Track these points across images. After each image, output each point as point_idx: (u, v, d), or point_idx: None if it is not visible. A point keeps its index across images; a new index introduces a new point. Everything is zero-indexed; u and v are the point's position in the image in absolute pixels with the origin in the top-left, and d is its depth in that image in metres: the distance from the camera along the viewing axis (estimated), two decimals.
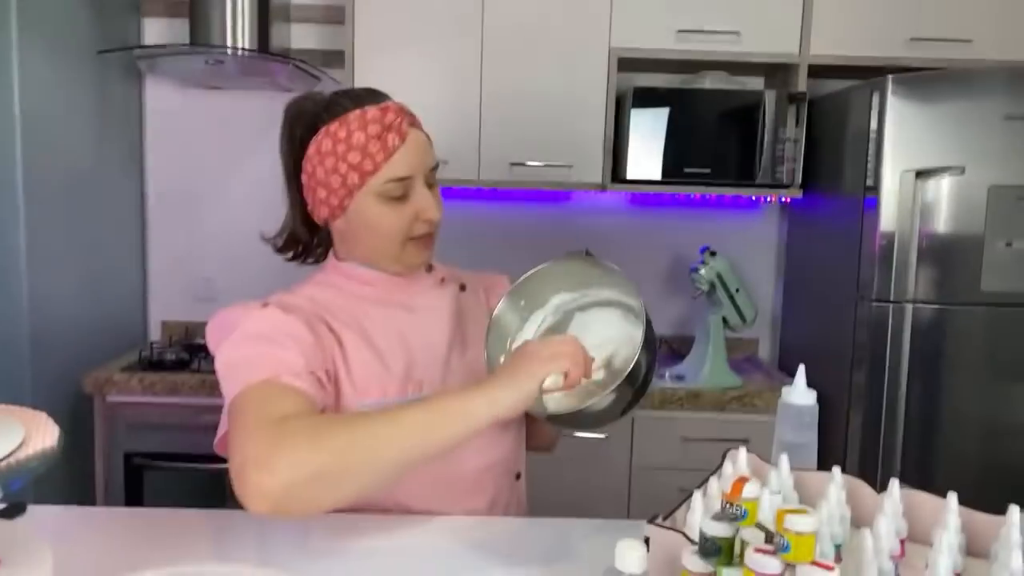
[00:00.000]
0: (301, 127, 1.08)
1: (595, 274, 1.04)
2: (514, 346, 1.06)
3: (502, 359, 1.04)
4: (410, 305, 1.11)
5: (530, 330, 1.08)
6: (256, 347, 0.95)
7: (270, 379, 0.91)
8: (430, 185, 1.08)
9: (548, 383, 0.88)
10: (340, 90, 1.09)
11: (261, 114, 2.52)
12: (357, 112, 1.03)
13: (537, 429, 1.23)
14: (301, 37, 2.49)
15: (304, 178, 1.08)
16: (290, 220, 1.15)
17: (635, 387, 0.94)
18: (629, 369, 0.88)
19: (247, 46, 2.22)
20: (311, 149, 1.05)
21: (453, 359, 1.11)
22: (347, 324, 1.06)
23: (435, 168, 1.09)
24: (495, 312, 1.06)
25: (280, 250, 1.17)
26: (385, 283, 1.10)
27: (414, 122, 1.07)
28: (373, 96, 1.06)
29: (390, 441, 0.84)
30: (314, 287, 1.10)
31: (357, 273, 1.10)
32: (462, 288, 1.20)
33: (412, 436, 0.84)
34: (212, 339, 1.02)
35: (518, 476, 1.18)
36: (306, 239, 1.15)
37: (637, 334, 0.92)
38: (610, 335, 1.03)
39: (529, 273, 1.06)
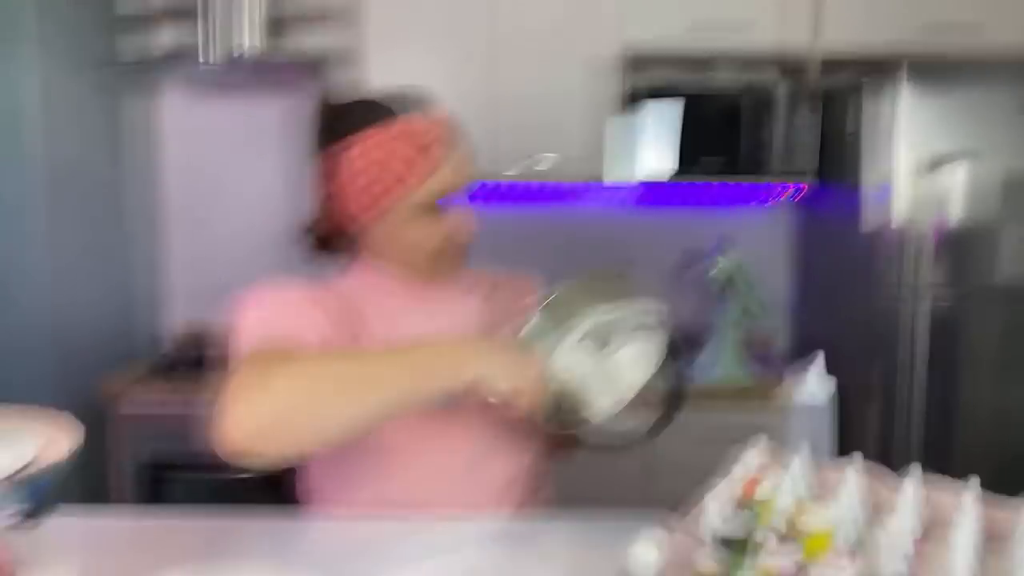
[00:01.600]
0: (342, 124, 1.05)
1: (629, 296, 1.03)
2: (556, 348, 1.05)
3: None
4: (436, 312, 1.11)
5: (576, 334, 1.06)
6: (271, 319, 0.95)
7: (276, 346, 0.90)
8: (466, 200, 1.08)
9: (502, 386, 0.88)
10: (386, 93, 1.07)
11: (274, 117, 2.53)
12: (399, 123, 1.02)
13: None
14: (312, 38, 2.49)
15: (341, 179, 1.06)
16: (319, 213, 1.13)
17: (666, 409, 0.94)
18: (631, 397, 0.88)
19: (259, 50, 2.23)
20: (354, 152, 1.03)
21: None
22: (372, 327, 1.06)
23: (471, 182, 1.08)
24: (523, 332, 1.05)
25: (311, 246, 1.16)
26: (411, 288, 1.11)
27: (460, 136, 1.07)
28: (417, 105, 1.05)
29: (368, 384, 0.84)
30: (341, 285, 1.11)
31: (383, 276, 1.11)
32: (490, 292, 1.19)
33: (391, 381, 0.85)
34: (236, 311, 1.01)
35: (543, 481, 1.18)
36: (334, 234, 1.14)
37: (653, 363, 0.91)
38: (645, 361, 1.02)
39: (564, 287, 1.05)
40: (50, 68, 1.97)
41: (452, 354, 0.88)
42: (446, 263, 1.09)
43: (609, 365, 1.04)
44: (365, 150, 1.02)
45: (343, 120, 1.06)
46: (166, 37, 2.50)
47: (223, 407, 0.80)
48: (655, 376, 0.89)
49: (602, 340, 1.07)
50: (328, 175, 1.09)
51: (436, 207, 1.03)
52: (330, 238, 1.15)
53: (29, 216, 1.92)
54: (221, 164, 2.55)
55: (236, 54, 2.20)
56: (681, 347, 0.94)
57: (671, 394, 0.92)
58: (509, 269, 1.28)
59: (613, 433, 0.95)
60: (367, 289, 1.10)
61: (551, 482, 1.22)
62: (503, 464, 1.10)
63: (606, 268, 1.04)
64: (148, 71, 2.24)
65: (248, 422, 0.78)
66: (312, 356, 0.88)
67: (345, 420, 0.83)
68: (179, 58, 2.17)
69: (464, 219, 1.06)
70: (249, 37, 2.23)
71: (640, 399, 0.89)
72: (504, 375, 0.88)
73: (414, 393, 0.86)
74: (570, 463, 1.31)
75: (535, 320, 1.05)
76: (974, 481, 0.81)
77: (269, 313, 0.96)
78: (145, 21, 2.47)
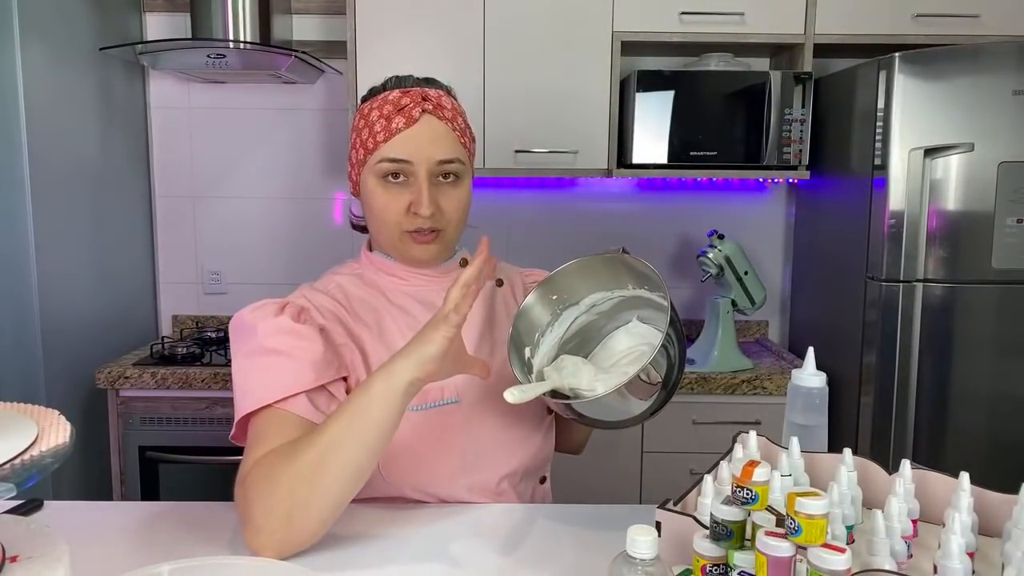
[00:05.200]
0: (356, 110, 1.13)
1: (630, 273, 1.02)
2: (542, 340, 1.05)
3: (527, 351, 1.03)
4: (438, 303, 1.08)
5: (562, 328, 1.06)
6: (266, 360, 0.97)
7: (273, 407, 0.96)
8: (451, 181, 1.04)
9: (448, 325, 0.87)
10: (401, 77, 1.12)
11: (265, 106, 2.52)
12: (385, 94, 1.06)
13: (566, 432, 1.22)
14: (302, 29, 2.48)
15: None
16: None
17: (667, 388, 0.94)
18: (633, 375, 0.87)
19: (249, 39, 2.22)
20: (351, 130, 1.11)
21: None
22: (367, 325, 1.06)
23: (448, 162, 1.03)
24: (524, 304, 1.04)
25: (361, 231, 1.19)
26: (411, 277, 1.10)
27: (435, 111, 1.03)
28: (413, 82, 1.08)
29: (328, 458, 0.87)
30: (343, 276, 1.11)
31: (383, 264, 1.10)
32: (499, 283, 1.18)
33: (345, 443, 0.88)
34: (231, 340, 1.04)
35: (543, 480, 1.17)
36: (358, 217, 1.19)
37: (656, 339, 0.90)
38: (640, 339, 1.02)
39: (562, 267, 1.04)
40: (37, 56, 1.95)
41: (381, 379, 0.89)
42: (412, 246, 1.05)
43: (604, 348, 1.05)
44: (355, 120, 1.08)
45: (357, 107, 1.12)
46: (156, 24, 2.49)
47: (242, 527, 0.89)
48: (651, 358, 0.88)
49: (598, 323, 1.07)
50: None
51: (393, 175, 1.03)
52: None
53: (17, 206, 1.90)
54: (212, 153, 2.54)
55: (227, 42, 2.18)
56: (679, 326, 0.94)
57: (666, 376, 0.92)
58: (509, 262, 1.28)
59: (609, 412, 0.95)
60: (366, 280, 1.10)
61: (551, 475, 1.22)
62: (501, 463, 1.09)
63: (606, 249, 1.03)
64: (138, 59, 2.22)
65: (264, 544, 0.87)
66: (274, 463, 0.90)
67: (334, 497, 0.89)
68: (169, 46, 2.15)
69: (419, 194, 1.01)
70: (240, 25, 2.22)
71: (635, 381, 0.88)
72: (417, 361, 0.88)
73: (375, 429, 0.88)
74: (572, 457, 1.31)
75: (530, 298, 1.05)
76: (964, 475, 0.82)
77: (262, 345, 0.98)
78: (136, 7, 2.45)
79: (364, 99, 1.10)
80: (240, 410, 0.97)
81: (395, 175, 1.03)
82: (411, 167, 1.02)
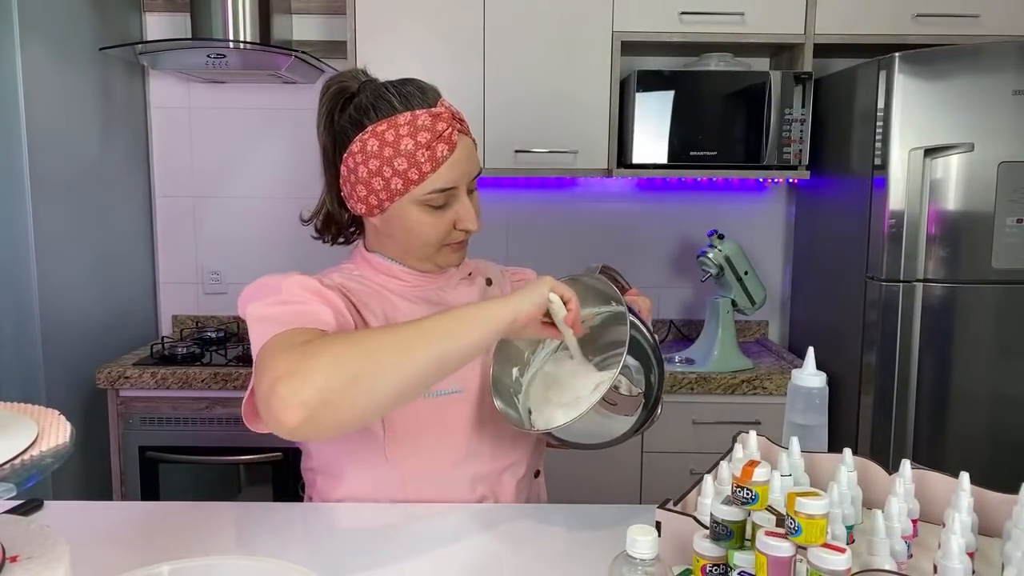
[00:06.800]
0: (344, 116, 1.05)
1: (593, 293, 1.02)
2: (533, 358, 1.05)
3: (514, 371, 1.04)
4: (438, 301, 1.11)
5: (547, 348, 1.07)
6: (289, 307, 0.93)
7: (302, 326, 0.91)
8: (471, 191, 1.08)
9: (554, 298, 0.92)
10: (389, 83, 1.06)
11: (265, 107, 2.52)
12: (408, 116, 1.01)
13: None
14: (302, 28, 2.48)
15: (344, 170, 1.06)
16: (325, 201, 1.13)
17: (647, 407, 0.94)
18: (601, 395, 0.88)
19: (248, 39, 2.22)
20: (355, 146, 1.02)
21: (481, 357, 1.09)
22: (373, 313, 1.06)
23: (477, 175, 1.08)
24: None
25: (319, 232, 1.16)
26: (412, 278, 1.11)
27: (463, 128, 1.05)
28: (424, 96, 1.03)
29: (417, 342, 0.84)
30: (342, 276, 1.10)
31: (384, 266, 1.11)
32: (488, 283, 1.19)
33: (438, 336, 0.85)
34: (247, 297, 0.98)
35: (537, 474, 1.19)
36: (343, 220, 1.14)
37: (631, 362, 0.91)
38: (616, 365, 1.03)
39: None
40: (37, 55, 1.95)
41: (481, 305, 0.90)
42: (448, 254, 1.09)
43: (581, 370, 1.04)
44: (369, 143, 1.01)
45: (347, 110, 1.05)
46: (156, 24, 2.48)
47: (272, 386, 0.79)
48: (627, 380, 0.89)
49: (591, 336, 1.07)
50: (332, 164, 1.08)
51: (440, 203, 1.03)
52: (334, 227, 1.15)
53: (18, 205, 1.90)
54: (213, 153, 2.54)
55: (227, 42, 2.18)
56: (658, 349, 0.95)
57: (645, 398, 0.92)
58: (509, 262, 1.29)
59: (587, 435, 0.95)
60: (367, 280, 1.10)
61: (547, 473, 1.22)
62: (498, 457, 1.10)
63: (588, 267, 1.04)
64: (138, 59, 2.22)
65: (308, 395, 0.78)
66: (350, 332, 0.88)
67: (400, 382, 0.83)
68: (169, 46, 2.15)
69: (467, 212, 1.05)
70: (240, 25, 2.22)
71: (614, 402, 0.89)
72: (528, 300, 0.90)
73: (463, 343, 0.86)
74: (568, 454, 1.31)
75: None
76: (964, 475, 0.82)
77: (284, 298, 0.95)
78: (136, 7, 2.45)
79: (360, 117, 1.02)
80: (260, 340, 0.89)
81: (440, 202, 1.03)
82: (455, 190, 1.04)
